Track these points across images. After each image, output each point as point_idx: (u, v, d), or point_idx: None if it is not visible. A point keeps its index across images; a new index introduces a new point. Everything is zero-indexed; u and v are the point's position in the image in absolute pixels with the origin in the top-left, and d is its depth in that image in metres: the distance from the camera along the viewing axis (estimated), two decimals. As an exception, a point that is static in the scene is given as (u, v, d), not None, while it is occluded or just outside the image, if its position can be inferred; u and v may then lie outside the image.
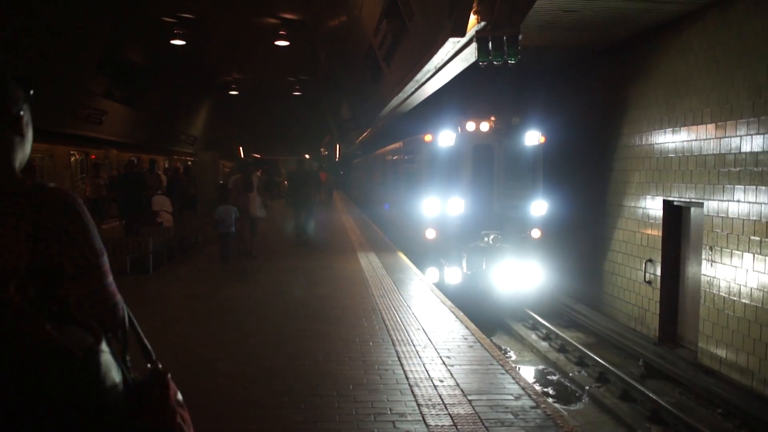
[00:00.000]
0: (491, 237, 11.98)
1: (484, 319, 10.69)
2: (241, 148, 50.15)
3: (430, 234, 12.34)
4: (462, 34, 6.82)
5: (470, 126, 12.32)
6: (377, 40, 12.31)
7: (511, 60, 6.46)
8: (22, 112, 1.79)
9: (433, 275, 11.94)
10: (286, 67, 28.53)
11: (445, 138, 12.07)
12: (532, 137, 12.48)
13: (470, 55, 6.89)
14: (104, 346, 1.65)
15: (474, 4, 6.39)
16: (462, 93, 14.85)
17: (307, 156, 47.42)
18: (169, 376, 1.81)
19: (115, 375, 1.64)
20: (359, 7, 12.90)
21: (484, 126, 12.38)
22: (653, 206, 11.39)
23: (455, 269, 12.05)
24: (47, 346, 1.50)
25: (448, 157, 12.40)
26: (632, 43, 11.98)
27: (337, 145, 40.87)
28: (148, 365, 1.82)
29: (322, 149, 57.76)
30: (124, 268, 10.79)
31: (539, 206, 12.61)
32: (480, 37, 6.27)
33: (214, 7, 18.32)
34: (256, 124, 44.33)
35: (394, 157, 17.04)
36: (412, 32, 9.46)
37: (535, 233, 12.53)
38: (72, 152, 21.88)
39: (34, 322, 1.52)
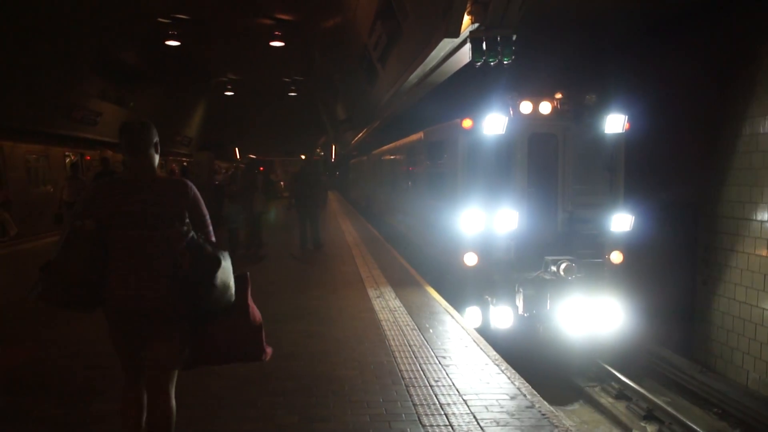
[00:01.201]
0: (562, 266, 8.58)
1: (547, 376, 8.41)
2: (237, 149, 50.14)
3: (470, 259, 9.10)
4: (456, 35, 6.84)
5: (526, 107, 9.02)
6: (372, 41, 12.20)
7: (505, 60, 6.49)
8: (156, 140, 3.50)
9: (474, 317, 8.85)
10: (281, 67, 28.54)
11: (491, 123, 8.73)
12: (614, 123, 9.11)
13: (465, 56, 6.92)
14: (226, 255, 3.41)
15: (468, 5, 6.40)
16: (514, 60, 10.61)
17: (303, 156, 47.44)
18: (248, 274, 3.68)
19: (230, 266, 3.43)
20: (354, 8, 12.89)
21: (545, 107, 9.10)
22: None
23: (506, 309, 8.77)
24: (210, 254, 3.31)
25: (494, 150, 9.11)
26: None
27: (333, 146, 40.88)
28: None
29: (318, 150, 57.76)
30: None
31: (622, 220, 9.23)
32: (474, 38, 6.29)
33: (209, 7, 18.31)
34: (251, 125, 44.31)
35: (412, 153, 13.38)
36: (407, 33, 9.47)
37: (616, 257, 9.36)
38: (67, 153, 21.82)
39: (201, 244, 3.34)
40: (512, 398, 5.02)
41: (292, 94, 35.31)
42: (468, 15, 6.40)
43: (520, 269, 8.95)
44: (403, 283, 9.87)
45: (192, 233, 3.34)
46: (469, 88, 12.12)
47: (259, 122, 44.06)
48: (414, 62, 9.23)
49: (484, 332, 7.78)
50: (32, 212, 16.02)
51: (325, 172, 30.84)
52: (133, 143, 3.41)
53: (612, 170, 9.44)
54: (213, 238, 3.53)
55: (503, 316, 8.72)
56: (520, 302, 8.74)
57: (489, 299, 8.88)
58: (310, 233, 13.65)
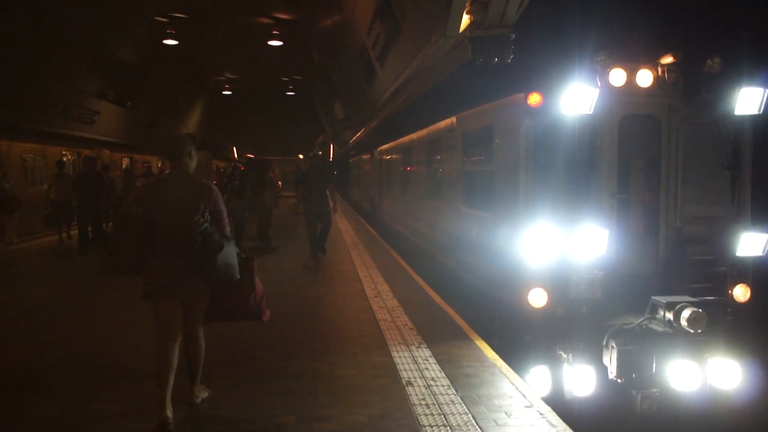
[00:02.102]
0: (685, 314, 5.77)
1: None
2: (234, 149, 50.10)
3: (537, 298, 6.38)
4: (455, 34, 6.84)
5: (617, 77, 6.31)
6: (370, 40, 12.15)
7: (505, 59, 6.49)
8: (189, 149, 4.60)
9: (541, 381, 6.23)
10: (279, 67, 28.52)
11: (572, 98, 6.02)
12: (748, 100, 6.24)
13: (464, 55, 6.91)
14: (231, 242, 4.47)
15: (467, 4, 6.39)
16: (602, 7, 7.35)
17: (301, 156, 47.39)
18: (254, 257, 4.82)
19: (234, 251, 4.51)
20: (352, 6, 12.86)
21: (645, 77, 6.37)
22: None
23: (589, 370, 6.07)
24: (217, 240, 4.28)
25: (571, 140, 6.39)
26: None
27: (331, 145, 40.90)
28: (242, 255, 4.67)
29: (317, 149, 57.71)
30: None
31: (750, 240, 6.51)
32: (474, 37, 6.28)
33: (207, 6, 18.28)
34: (249, 124, 44.28)
35: (439, 146, 10.44)
36: (405, 32, 9.43)
37: (741, 293, 6.56)
38: (64, 152, 21.78)
39: (211, 233, 4.29)
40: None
41: (290, 93, 35.29)
42: (467, 14, 6.39)
43: (611, 314, 6.28)
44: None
45: (207, 224, 4.31)
46: (531, 48, 7.46)
47: (256, 122, 44.03)
48: (412, 61, 9.21)
49: (556, 402, 5.58)
50: (29, 212, 15.93)
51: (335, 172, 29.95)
52: (170, 152, 4.61)
53: (737, 169, 6.70)
54: (227, 230, 4.59)
55: (584, 379, 6.03)
56: (610, 361, 5.99)
57: (563, 355, 6.19)
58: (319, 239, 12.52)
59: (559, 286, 6.28)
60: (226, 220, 4.62)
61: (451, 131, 9.47)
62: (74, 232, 14.68)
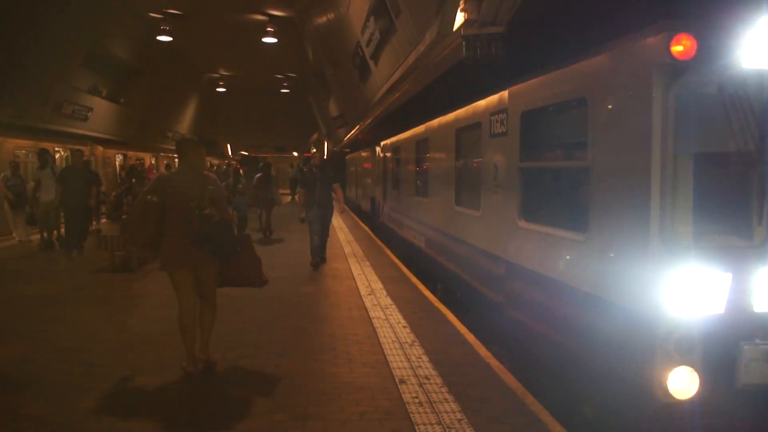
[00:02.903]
0: None
1: None
2: (228, 146, 49.95)
3: (682, 383, 3.77)
4: (449, 32, 6.83)
5: None
6: (365, 37, 12.11)
7: (498, 59, 6.46)
8: (193, 148, 5.52)
9: None
10: (273, 64, 28.51)
11: (755, 41, 3.53)
12: None
13: (458, 53, 6.89)
14: (230, 223, 5.52)
15: (461, 2, 6.38)
16: None
17: (295, 153, 47.31)
18: (250, 234, 6.51)
19: (232, 229, 5.55)
20: (347, 4, 12.83)
21: None
22: None
23: None
24: (222, 221, 5.26)
25: (750, 116, 3.86)
26: None
27: (326, 142, 40.83)
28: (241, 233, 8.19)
29: (312, 148, 57.53)
30: (106, 266, 10.72)
31: None
32: (467, 35, 6.27)
33: (202, 3, 18.24)
34: (243, 121, 44.18)
35: (477, 136, 7.44)
36: (400, 29, 9.40)
37: None
38: (57, 149, 21.70)
39: (210, 216, 5.14)
40: None
41: (285, 90, 35.23)
42: (461, 11, 6.38)
43: None
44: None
45: (207, 210, 5.14)
46: None
47: (251, 119, 43.95)
48: (406, 59, 9.18)
49: None
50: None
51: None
52: (178, 151, 5.73)
53: None
54: (228, 212, 5.69)
55: None
56: None
57: None
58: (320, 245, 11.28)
59: (719, 364, 3.75)
60: (226, 203, 5.67)
61: (499, 112, 6.64)
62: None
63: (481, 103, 7.31)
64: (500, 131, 6.59)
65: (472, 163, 7.92)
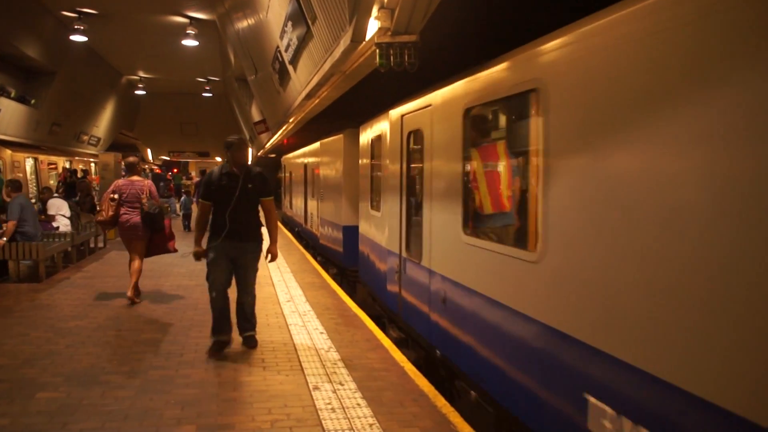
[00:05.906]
0: None
1: None
2: (149, 150, 48.52)
3: None
4: (362, 39, 6.89)
5: None
6: (284, 43, 12.05)
7: (411, 67, 6.57)
8: (132, 165, 9.09)
9: None
10: (195, 67, 27.94)
11: None
12: None
13: (372, 60, 6.96)
14: (159, 209, 8.96)
15: (376, 10, 6.45)
16: None
17: (218, 159, 46.36)
18: (164, 213, 9.19)
19: (162, 214, 9.02)
20: (266, 8, 12.73)
21: None
22: None
23: None
24: (147, 209, 8.63)
25: None
26: None
27: (249, 148, 40.24)
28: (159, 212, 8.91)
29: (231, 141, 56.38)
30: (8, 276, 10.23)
31: None
32: (380, 43, 6.35)
33: (118, 2, 17.70)
34: (165, 125, 43.02)
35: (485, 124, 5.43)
36: (316, 36, 9.40)
37: None
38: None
39: (144, 206, 8.68)
40: None
41: (207, 94, 34.61)
42: (376, 20, 6.45)
43: None
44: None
45: (149, 203, 8.49)
46: None
47: (173, 122, 42.88)
48: (322, 66, 9.19)
49: None
50: None
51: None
52: (126, 166, 9.11)
53: None
54: (158, 202, 8.88)
55: None
56: None
57: None
58: (235, 306, 6.55)
59: None
60: (158, 198, 9.11)
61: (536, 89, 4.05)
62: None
63: (501, 65, 4.87)
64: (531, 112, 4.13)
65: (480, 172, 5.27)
